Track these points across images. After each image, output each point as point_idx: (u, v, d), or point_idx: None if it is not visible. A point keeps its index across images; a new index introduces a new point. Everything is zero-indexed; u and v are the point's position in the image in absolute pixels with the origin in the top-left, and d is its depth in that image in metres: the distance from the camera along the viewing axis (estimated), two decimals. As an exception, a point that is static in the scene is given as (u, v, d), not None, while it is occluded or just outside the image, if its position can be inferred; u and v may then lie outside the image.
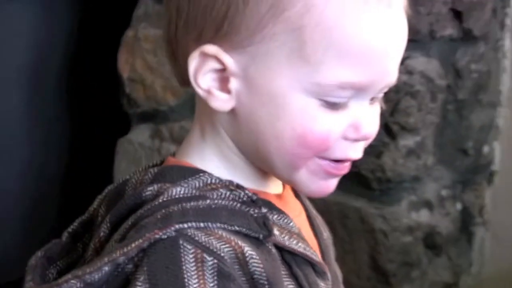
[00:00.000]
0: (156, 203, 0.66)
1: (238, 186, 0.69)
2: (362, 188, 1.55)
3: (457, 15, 1.53)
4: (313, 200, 0.80)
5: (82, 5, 2.05)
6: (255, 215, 0.67)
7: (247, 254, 0.64)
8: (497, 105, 1.68)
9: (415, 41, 1.47)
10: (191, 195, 0.67)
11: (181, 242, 0.63)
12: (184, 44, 0.69)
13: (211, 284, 0.62)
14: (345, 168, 0.70)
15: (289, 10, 0.64)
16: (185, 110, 1.74)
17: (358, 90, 0.67)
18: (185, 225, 0.64)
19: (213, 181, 0.69)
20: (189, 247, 0.63)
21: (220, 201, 0.67)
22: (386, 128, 1.50)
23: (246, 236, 0.66)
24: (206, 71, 0.67)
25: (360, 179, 1.54)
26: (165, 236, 0.63)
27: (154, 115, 1.82)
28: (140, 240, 0.62)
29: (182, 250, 0.63)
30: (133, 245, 0.62)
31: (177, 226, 0.63)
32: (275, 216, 0.70)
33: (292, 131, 0.66)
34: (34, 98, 2.03)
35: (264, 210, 0.68)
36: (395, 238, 1.54)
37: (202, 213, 0.65)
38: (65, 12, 2.03)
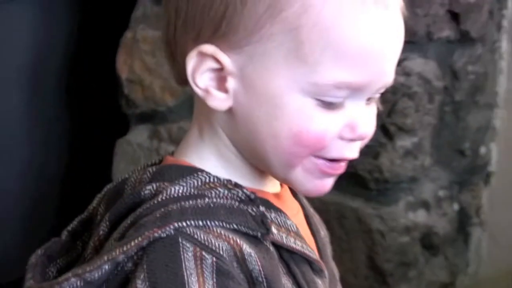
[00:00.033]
0: (155, 202, 0.66)
1: (236, 185, 0.69)
2: (360, 188, 1.55)
3: (454, 16, 1.53)
4: (310, 200, 0.80)
5: (81, 6, 2.04)
6: (253, 213, 0.67)
7: (245, 252, 0.65)
8: (494, 106, 1.68)
9: (412, 43, 1.47)
10: (190, 194, 0.67)
11: (180, 240, 0.63)
12: (183, 44, 0.69)
13: (210, 282, 0.62)
14: (341, 168, 0.71)
15: (287, 10, 0.65)
16: (184, 111, 1.73)
17: (355, 90, 0.67)
18: (184, 224, 0.64)
19: (211, 180, 0.69)
20: (188, 245, 0.63)
21: (218, 200, 0.67)
22: (383, 129, 1.50)
23: (244, 234, 0.66)
24: (204, 70, 0.68)
25: (357, 179, 1.54)
26: (165, 235, 0.63)
27: (153, 116, 1.82)
28: (140, 239, 0.63)
29: (181, 248, 0.63)
30: (132, 243, 0.63)
31: (176, 225, 0.64)
32: (273, 215, 0.70)
33: (289, 131, 0.67)
34: (34, 98, 2.02)
35: (262, 208, 0.68)
36: (392, 238, 1.54)
37: (200, 212, 0.65)
38: (65, 13, 2.03)
